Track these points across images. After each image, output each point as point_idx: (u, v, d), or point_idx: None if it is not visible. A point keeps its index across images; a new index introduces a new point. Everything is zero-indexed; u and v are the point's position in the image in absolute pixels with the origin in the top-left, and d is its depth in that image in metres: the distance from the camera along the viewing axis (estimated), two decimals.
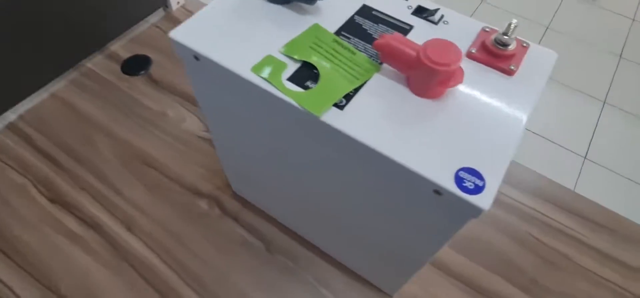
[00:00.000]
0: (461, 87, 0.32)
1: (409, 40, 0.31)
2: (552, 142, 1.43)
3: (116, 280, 0.52)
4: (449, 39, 0.34)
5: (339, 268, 0.53)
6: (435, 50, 0.29)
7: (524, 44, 0.34)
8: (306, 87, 0.32)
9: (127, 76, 0.75)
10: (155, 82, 0.74)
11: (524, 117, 0.30)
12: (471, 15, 1.85)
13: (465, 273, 0.52)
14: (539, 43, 1.73)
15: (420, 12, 0.38)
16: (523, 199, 0.59)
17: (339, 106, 0.31)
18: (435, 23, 0.37)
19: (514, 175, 0.61)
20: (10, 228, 0.55)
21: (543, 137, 1.42)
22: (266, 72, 0.33)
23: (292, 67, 0.33)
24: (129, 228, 0.56)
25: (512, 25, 0.32)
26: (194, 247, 0.54)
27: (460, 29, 0.36)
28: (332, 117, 0.30)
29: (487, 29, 0.35)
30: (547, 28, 1.81)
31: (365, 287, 0.51)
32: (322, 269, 0.52)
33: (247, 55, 0.34)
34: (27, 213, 0.57)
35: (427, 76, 0.30)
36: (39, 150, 0.64)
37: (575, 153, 1.40)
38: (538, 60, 0.33)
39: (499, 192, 0.59)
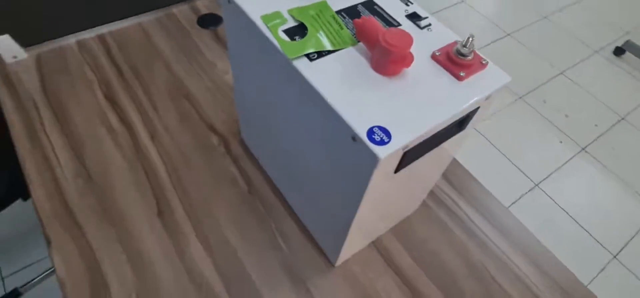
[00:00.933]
0: (412, 76, 0.37)
1: (380, 26, 0.38)
2: (583, 228, 1.34)
3: (129, 173, 0.63)
4: (424, 42, 0.40)
5: (299, 227, 0.59)
6: (393, 36, 0.35)
7: (484, 62, 0.38)
8: (293, 39, 0.39)
9: (199, 27, 0.88)
10: (217, 38, 0.86)
11: (447, 112, 0.35)
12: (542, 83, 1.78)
13: (408, 273, 0.55)
14: (610, 129, 1.65)
15: (413, 17, 0.43)
16: (499, 242, 0.60)
17: (311, 58, 0.38)
18: (420, 28, 0.42)
19: (506, 227, 0.63)
20: (70, 107, 0.69)
21: (574, 220, 1.35)
22: (271, 22, 0.41)
23: (290, 23, 0.41)
24: (153, 138, 0.67)
25: (470, 39, 0.36)
26: (194, 170, 0.64)
27: (437, 36, 0.41)
28: (301, 63, 0.37)
29: (458, 42, 0.40)
30: (622, 119, 1.71)
31: (315, 251, 0.56)
32: (286, 223, 0.59)
33: (265, 8, 0.42)
34: (86, 100, 0.70)
35: (381, 54, 0.36)
36: (113, 59, 0.78)
37: (605, 248, 1.30)
38: (489, 77, 0.38)
39: (475, 225, 0.61)
